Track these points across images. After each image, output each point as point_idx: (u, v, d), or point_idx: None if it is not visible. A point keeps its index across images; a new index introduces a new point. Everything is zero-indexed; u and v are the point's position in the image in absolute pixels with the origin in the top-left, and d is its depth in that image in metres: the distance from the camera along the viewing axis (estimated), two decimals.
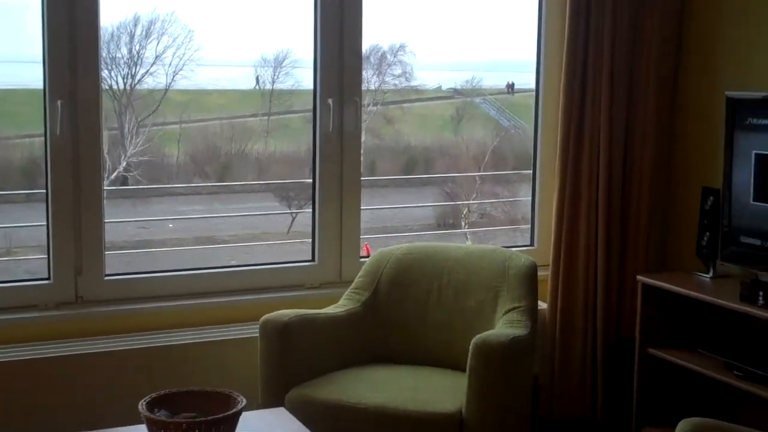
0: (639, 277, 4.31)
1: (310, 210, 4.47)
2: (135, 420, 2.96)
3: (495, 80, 6.06)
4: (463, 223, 6.26)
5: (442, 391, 3.71)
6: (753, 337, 3.97)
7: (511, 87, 5.86)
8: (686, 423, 3.02)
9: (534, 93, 4.84)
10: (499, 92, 6.07)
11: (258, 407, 3.57)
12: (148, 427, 2.84)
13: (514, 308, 3.95)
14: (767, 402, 3.73)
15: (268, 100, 5.68)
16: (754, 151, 3.96)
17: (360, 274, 4.23)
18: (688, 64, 4.61)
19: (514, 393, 3.65)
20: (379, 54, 5.69)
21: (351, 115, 4.37)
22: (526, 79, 5.19)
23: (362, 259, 4.45)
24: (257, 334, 3.82)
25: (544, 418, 4.59)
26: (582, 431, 4.63)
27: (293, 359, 3.78)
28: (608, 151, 4.48)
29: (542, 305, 4.41)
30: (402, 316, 4.14)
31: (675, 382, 4.35)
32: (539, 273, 4.15)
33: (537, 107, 4.80)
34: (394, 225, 6.17)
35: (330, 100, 4.32)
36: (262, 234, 5.81)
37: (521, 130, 5.99)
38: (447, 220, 6.38)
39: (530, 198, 4.89)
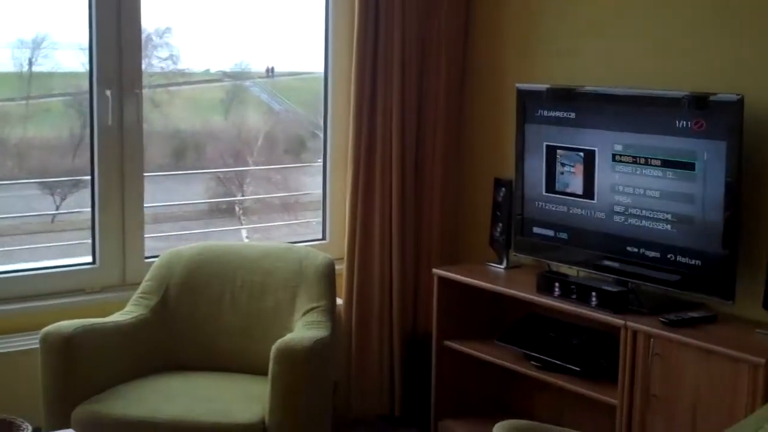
0: (434, 270, 4.27)
1: (79, 202, 4.20)
2: None
3: (264, 64, 5.91)
4: (237, 209, 6.10)
5: (241, 399, 3.54)
6: (549, 327, 4.00)
7: (270, 71, 5.71)
8: (500, 427, 2.98)
9: (320, 78, 4.73)
10: (260, 76, 5.91)
11: (43, 430, 3.29)
12: None
13: (313, 308, 3.84)
14: (565, 391, 3.78)
15: (27, 84, 5.29)
16: (545, 143, 3.99)
17: (147, 277, 3.98)
18: (477, 58, 4.61)
19: (317, 396, 3.55)
20: (145, 36, 5.43)
21: (132, 108, 4.11)
22: (287, 63, 5.22)
23: (148, 260, 4.20)
24: (38, 346, 3.51)
25: (342, 417, 4.48)
26: (380, 428, 4.57)
27: (78, 374, 3.51)
28: (401, 144, 4.42)
29: (338, 301, 4.30)
30: (195, 321, 3.94)
31: (474, 374, 4.34)
32: None
33: (326, 94, 4.68)
34: (164, 212, 5.91)
35: (108, 92, 4.05)
36: (23, 224, 5.43)
37: (292, 113, 5.87)
38: (220, 205, 6.20)
39: (321, 190, 4.77)
